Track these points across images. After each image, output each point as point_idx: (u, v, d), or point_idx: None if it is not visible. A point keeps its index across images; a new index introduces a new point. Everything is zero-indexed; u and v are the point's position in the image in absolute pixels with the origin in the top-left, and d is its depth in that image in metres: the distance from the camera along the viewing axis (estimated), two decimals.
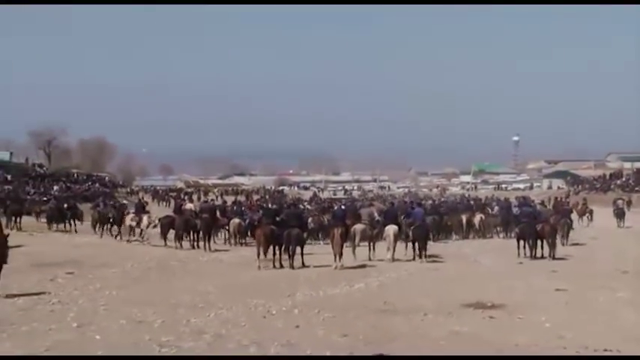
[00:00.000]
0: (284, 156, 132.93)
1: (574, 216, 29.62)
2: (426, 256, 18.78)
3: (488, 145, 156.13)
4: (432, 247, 20.73)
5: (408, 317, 10.53)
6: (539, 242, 19.33)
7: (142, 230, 25.59)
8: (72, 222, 30.23)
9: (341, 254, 17.22)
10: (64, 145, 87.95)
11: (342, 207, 24.69)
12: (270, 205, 30.49)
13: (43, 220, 31.63)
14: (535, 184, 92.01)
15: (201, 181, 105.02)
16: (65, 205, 31.74)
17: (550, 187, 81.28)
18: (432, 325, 10.01)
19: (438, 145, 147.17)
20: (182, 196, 63.98)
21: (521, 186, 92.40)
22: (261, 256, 17.37)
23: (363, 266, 17.50)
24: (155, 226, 24.91)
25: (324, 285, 13.98)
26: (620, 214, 33.65)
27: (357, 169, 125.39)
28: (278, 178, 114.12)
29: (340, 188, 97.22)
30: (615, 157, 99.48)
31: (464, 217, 28.62)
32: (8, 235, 13.56)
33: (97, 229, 29.31)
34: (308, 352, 8.33)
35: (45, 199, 40.07)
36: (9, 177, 50.95)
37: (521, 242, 19.60)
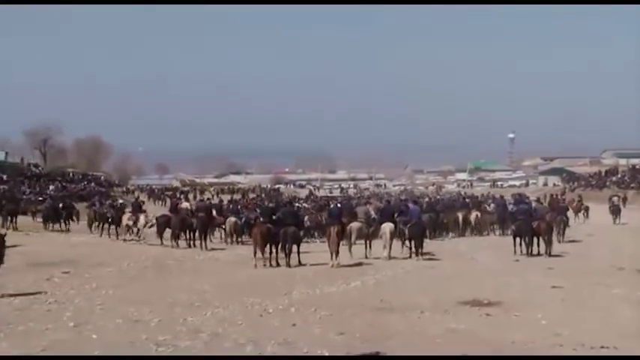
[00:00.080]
0: (280, 154, 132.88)
1: (570, 213, 29.67)
2: (422, 254, 18.80)
3: (483, 142, 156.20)
4: (429, 244, 20.75)
5: (404, 315, 10.54)
6: (535, 239, 19.36)
7: (138, 229, 25.55)
8: (66, 222, 30.22)
9: (337, 252, 17.24)
10: (59, 145, 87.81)
11: (338, 205, 24.68)
12: (267, 204, 30.45)
13: (39, 219, 31.59)
14: (531, 182, 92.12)
15: (197, 180, 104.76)
16: (60, 205, 31.70)
17: (546, 184, 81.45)
18: (429, 322, 10.03)
19: (434, 143, 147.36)
20: (178, 195, 63.90)
21: (517, 183, 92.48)
22: (258, 254, 17.36)
23: (359, 264, 17.49)
24: (152, 226, 24.88)
25: (321, 283, 14.00)
26: (615, 211, 33.78)
27: (353, 167, 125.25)
28: (274, 176, 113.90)
29: (336, 186, 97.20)
30: (611, 153, 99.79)
31: (460, 215, 28.65)
32: (5, 235, 13.57)
33: (92, 228, 29.34)
34: (305, 351, 8.33)
35: (41, 198, 39.95)
36: (4, 177, 50.85)
37: (518, 239, 19.63)
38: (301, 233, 19.07)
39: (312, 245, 22.54)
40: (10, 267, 13.55)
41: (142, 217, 25.66)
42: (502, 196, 40.44)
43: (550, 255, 18.85)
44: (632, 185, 57.64)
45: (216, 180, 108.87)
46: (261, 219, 18.92)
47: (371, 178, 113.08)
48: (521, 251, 19.31)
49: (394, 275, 15.57)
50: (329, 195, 71.68)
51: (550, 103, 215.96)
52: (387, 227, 18.90)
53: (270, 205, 25.11)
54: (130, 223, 25.65)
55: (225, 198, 45.99)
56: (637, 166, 66.97)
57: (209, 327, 9.67)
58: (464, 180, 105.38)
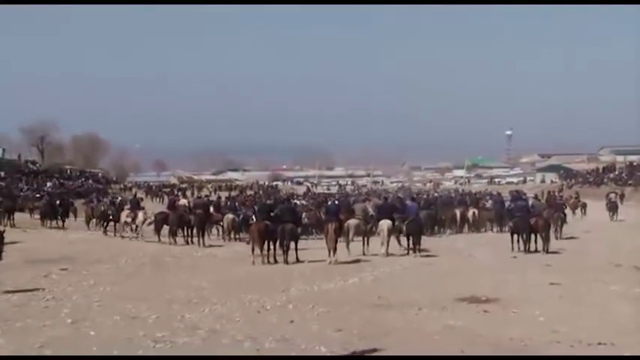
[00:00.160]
0: (278, 151, 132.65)
1: (567, 210, 29.72)
2: (419, 251, 18.81)
3: (481, 139, 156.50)
4: (426, 241, 20.75)
5: (402, 312, 10.55)
6: (532, 236, 19.38)
7: (137, 226, 25.53)
8: (63, 218, 30.21)
9: (335, 249, 17.24)
10: (56, 142, 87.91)
11: (336, 202, 24.68)
12: (265, 201, 30.44)
13: (37, 216, 31.58)
14: (528, 178, 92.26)
15: (195, 177, 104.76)
16: (57, 202, 31.68)
17: (543, 181, 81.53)
18: (426, 319, 10.04)
19: (432, 140, 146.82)
20: (176, 191, 63.98)
21: (515, 180, 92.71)
22: (256, 251, 17.36)
23: (357, 261, 17.49)
24: (150, 223, 24.88)
25: (319, 280, 14.00)
26: (613, 208, 33.79)
27: (350, 164, 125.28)
28: (271, 173, 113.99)
29: (334, 183, 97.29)
30: (608, 150, 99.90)
31: (457, 212, 28.66)
32: (4, 232, 13.57)
33: (90, 225, 29.35)
34: (302, 347, 8.34)
35: (38, 195, 39.95)
36: (2, 174, 50.82)
37: (515, 236, 19.65)
38: (299, 230, 19.05)
39: (309, 242, 22.54)
40: (8, 263, 13.55)
41: (140, 214, 25.64)
42: (498, 193, 40.53)
43: (547, 252, 18.85)
44: (629, 182, 57.76)
45: (213, 177, 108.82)
46: (259, 216, 18.85)
47: (369, 175, 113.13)
48: (518, 248, 19.33)
49: (392, 272, 15.57)
50: (327, 192, 71.73)
51: (548, 101, 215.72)
52: (385, 224, 18.89)
53: (268, 201, 25.09)
54: (129, 220, 25.63)
55: (223, 195, 45.90)
56: (634, 163, 67.11)
57: (207, 324, 9.67)
58: (461, 177, 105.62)
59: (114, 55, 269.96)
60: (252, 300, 11.58)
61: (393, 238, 19.29)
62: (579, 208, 35.60)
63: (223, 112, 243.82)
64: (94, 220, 29.51)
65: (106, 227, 27.15)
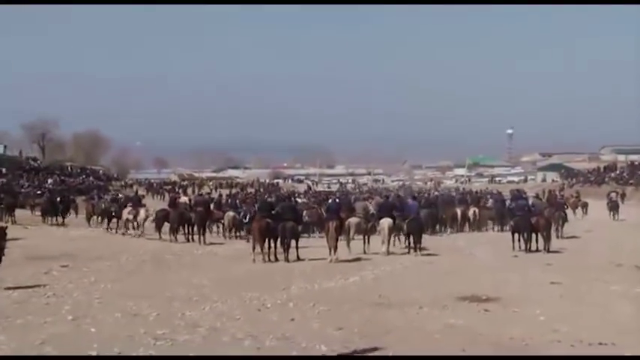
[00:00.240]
0: (278, 149, 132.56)
1: (567, 209, 29.70)
2: (420, 250, 18.80)
3: (482, 137, 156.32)
4: (427, 240, 20.74)
5: (403, 310, 10.54)
6: (533, 235, 19.37)
7: (138, 224, 25.53)
8: (63, 215, 30.23)
9: (336, 248, 17.24)
10: (57, 139, 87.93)
11: (337, 200, 24.66)
12: (266, 198, 30.43)
13: (38, 213, 31.61)
14: (529, 177, 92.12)
15: (196, 175, 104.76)
16: (58, 199, 31.70)
17: (544, 180, 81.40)
18: (427, 318, 10.03)
19: (433, 139, 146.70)
20: (177, 189, 63.98)
21: (516, 179, 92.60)
22: (257, 249, 17.36)
23: (357, 260, 17.49)
24: (153, 220, 24.89)
25: (319, 278, 13.99)
26: (614, 207, 33.79)
27: (351, 163, 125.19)
28: (272, 171, 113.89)
29: (335, 181, 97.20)
30: (609, 149, 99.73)
31: (458, 211, 28.63)
32: (6, 228, 13.58)
33: (90, 222, 29.37)
34: (303, 346, 8.34)
35: (39, 192, 39.98)
36: (3, 170, 50.88)
37: (516, 235, 19.64)
38: (300, 228, 19.04)
39: (310, 240, 22.53)
40: (9, 260, 13.53)
41: (142, 212, 25.65)
42: (499, 192, 40.51)
43: (548, 251, 18.85)
44: (630, 181, 57.68)
45: (214, 174, 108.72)
46: (260, 214, 18.83)
47: (369, 174, 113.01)
48: (519, 247, 19.31)
49: (392, 270, 15.57)
50: (327, 190, 71.66)
51: (549, 100, 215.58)
52: (386, 223, 18.86)
53: (269, 199, 25.07)
54: (130, 217, 25.64)
55: (224, 192, 45.92)
56: (635, 163, 67.02)
57: (207, 321, 9.67)
58: (462, 175, 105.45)
59: (114, 55, 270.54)
60: (252, 298, 11.58)
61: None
62: (580, 208, 35.59)
63: (224, 110, 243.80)
64: (95, 217, 29.54)
65: (108, 224, 27.15)
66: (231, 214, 25.65)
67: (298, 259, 17.41)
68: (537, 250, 19.05)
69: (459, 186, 78.38)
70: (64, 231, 26.87)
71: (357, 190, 69.38)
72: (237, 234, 25.57)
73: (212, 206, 26.80)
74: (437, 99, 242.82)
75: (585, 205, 35.82)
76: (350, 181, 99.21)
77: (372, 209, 22.07)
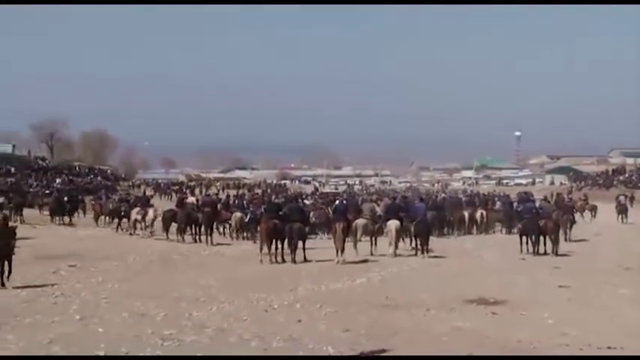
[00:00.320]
0: (286, 150, 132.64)
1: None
2: (427, 252, 18.76)
3: (490, 140, 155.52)
4: (434, 242, 20.69)
5: (410, 312, 10.53)
6: (541, 238, 19.30)
7: (146, 224, 25.57)
8: (71, 215, 30.32)
9: (343, 249, 17.23)
10: (66, 138, 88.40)
11: (344, 202, 24.65)
12: (273, 199, 30.42)
13: (46, 212, 31.72)
14: (537, 180, 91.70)
15: (203, 175, 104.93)
16: (66, 199, 31.81)
17: (552, 183, 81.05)
18: (434, 320, 10.01)
19: (440, 140, 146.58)
20: (184, 189, 64.11)
21: (524, 181, 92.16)
22: (264, 250, 17.37)
23: (364, 261, 17.47)
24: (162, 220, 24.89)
25: (326, 279, 13.99)
26: (622, 210, 33.64)
27: (358, 164, 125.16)
28: (279, 172, 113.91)
29: (342, 183, 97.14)
30: (618, 152, 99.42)
31: (466, 213, 28.56)
32: (16, 227, 13.65)
33: (98, 222, 29.47)
34: (310, 347, 8.33)
35: (47, 192, 40.15)
36: (12, 169, 51.12)
37: (524, 238, 19.58)
38: (307, 229, 19.04)
39: (317, 241, 22.53)
40: (18, 259, 13.60)
41: (150, 212, 25.70)
42: (506, 195, 40.35)
43: (557, 254, 18.77)
44: (639, 184, 57.40)
45: (221, 175, 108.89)
46: (267, 215, 18.83)
47: (377, 175, 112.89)
48: (527, 250, 19.25)
49: (399, 272, 15.54)
50: (334, 191, 71.57)
51: (557, 102, 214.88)
52: (393, 224, 18.84)
53: (277, 200, 25.05)
54: (139, 217, 25.69)
55: (231, 193, 45.96)
56: None
57: (214, 322, 9.69)
58: (470, 177, 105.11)
59: (114, 55, 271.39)
60: (259, 299, 11.59)
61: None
62: (589, 211, 35.45)
63: (232, 111, 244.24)
64: (103, 217, 29.61)
65: (119, 224, 27.21)
66: (238, 214, 25.65)
67: (305, 260, 17.41)
68: (545, 253, 18.97)
69: (466, 188, 78.14)
70: (72, 231, 26.96)
71: (365, 192, 69.31)
72: (245, 235, 25.57)
73: (219, 207, 26.81)
74: (437, 99, 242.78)
75: (594, 209, 35.70)
76: (357, 182, 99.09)
77: (379, 211, 22.01)
